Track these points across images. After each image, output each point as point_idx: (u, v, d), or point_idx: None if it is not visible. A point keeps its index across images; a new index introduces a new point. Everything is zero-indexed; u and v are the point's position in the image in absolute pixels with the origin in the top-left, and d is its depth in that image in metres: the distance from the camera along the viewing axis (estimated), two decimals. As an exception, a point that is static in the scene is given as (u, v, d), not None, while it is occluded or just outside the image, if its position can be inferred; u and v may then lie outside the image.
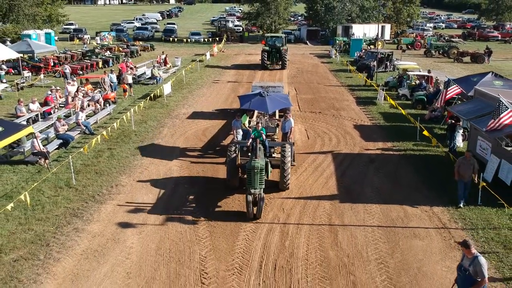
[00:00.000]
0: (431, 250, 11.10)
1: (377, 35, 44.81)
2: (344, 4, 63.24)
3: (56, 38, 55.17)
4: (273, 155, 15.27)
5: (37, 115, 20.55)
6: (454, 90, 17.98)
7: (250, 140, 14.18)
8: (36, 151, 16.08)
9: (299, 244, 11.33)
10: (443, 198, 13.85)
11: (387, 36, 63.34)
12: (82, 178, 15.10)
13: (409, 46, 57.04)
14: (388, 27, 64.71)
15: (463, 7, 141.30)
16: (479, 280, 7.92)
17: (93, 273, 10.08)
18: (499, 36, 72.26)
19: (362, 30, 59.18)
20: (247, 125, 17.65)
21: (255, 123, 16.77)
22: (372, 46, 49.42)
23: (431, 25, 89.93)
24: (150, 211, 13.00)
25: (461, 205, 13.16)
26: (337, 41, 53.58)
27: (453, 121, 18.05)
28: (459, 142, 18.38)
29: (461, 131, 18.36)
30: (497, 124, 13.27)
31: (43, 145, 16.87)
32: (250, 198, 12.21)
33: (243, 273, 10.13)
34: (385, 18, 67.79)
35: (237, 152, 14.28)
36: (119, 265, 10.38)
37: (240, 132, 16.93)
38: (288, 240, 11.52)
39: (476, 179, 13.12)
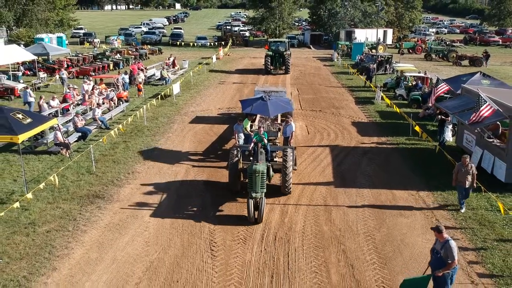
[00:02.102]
0: (414, 226, 12.50)
1: (378, 40, 46.22)
2: (346, 9, 64.76)
3: (66, 41, 57.06)
4: (275, 160, 15.31)
5: (56, 111, 22.11)
6: (442, 88, 19.40)
7: (252, 144, 14.33)
8: (58, 142, 17.63)
9: (296, 220, 12.75)
10: (429, 184, 15.25)
11: (389, 41, 64.84)
12: (101, 166, 16.61)
13: (410, 50, 58.48)
14: (390, 31, 66.26)
15: (467, 12, 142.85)
16: (450, 262, 8.62)
17: (116, 241, 11.56)
18: (500, 41, 73.57)
19: (364, 35, 60.65)
20: (248, 129, 17.78)
21: (257, 127, 16.70)
22: (374, 50, 50.85)
23: (434, 30, 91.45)
24: (164, 193, 14.47)
25: (462, 211, 13.21)
26: (340, 45, 55.09)
27: (442, 117, 19.44)
28: (449, 136, 19.80)
29: (450, 126, 19.76)
30: (478, 117, 14.63)
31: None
32: (251, 202, 12.33)
33: (247, 243, 11.56)
34: (387, 23, 69.30)
35: (238, 156, 14.34)
36: (139, 235, 11.85)
37: (242, 136, 17.03)
38: (287, 217, 12.95)
39: (474, 185, 13.10)
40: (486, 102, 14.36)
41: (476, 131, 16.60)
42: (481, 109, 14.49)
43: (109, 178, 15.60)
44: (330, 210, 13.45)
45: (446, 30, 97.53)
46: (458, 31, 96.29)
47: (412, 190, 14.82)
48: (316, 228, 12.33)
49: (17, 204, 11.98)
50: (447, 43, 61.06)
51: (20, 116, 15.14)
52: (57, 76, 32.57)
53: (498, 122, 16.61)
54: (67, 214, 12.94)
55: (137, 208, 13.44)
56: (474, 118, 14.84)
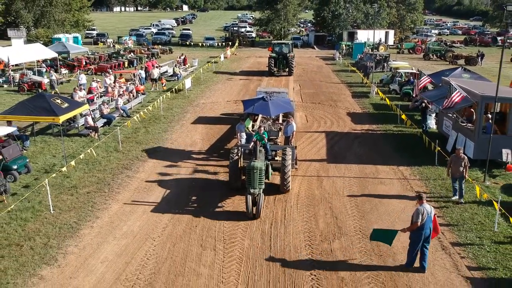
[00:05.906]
0: (391, 191, 14.98)
1: (379, 40, 48.70)
2: (349, 11, 67.22)
3: (81, 42, 60.00)
4: (275, 159, 15.59)
5: (82, 101, 24.75)
6: (425, 80, 21.85)
7: (252, 143, 14.82)
8: (89, 125, 20.27)
9: (293, 187, 15.25)
10: (409, 161, 17.71)
11: (391, 41, 67.19)
12: (126, 146, 19.23)
13: (410, 51, 60.80)
14: (391, 32, 68.63)
15: (471, 14, 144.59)
16: (413, 222, 10.39)
17: (145, 200, 14.15)
18: (500, 42, 75.62)
19: (366, 35, 63.07)
20: (250, 128, 18.22)
21: (258, 127, 16.79)
22: (375, 50, 53.26)
23: (436, 31, 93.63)
24: (181, 167, 17.06)
25: (454, 198, 14.18)
26: (342, 45, 57.60)
27: (426, 105, 21.85)
28: (432, 124, 22.22)
29: (433, 115, 22.19)
30: (450, 102, 17.05)
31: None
32: (249, 197, 12.93)
33: (251, 202, 14.08)
34: (389, 24, 71.66)
35: (239, 154, 14.75)
36: (163, 195, 14.44)
37: (244, 135, 17.42)
38: (285, 184, 15.46)
39: (466, 175, 14.04)
40: (456, 89, 16.79)
41: (452, 117, 19.05)
42: (452, 95, 16.91)
43: (134, 155, 18.21)
44: (321, 179, 15.96)
45: (448, 31, 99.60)
46: (460, 32, 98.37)
47: (393, 166, 17.30)
48: (308, 192, 14.85)
49: (64, 169, 14.63)
50: (448, 43, 63.32)
51: (58, 101, 17.82)
52: (78, 72, 35.31)
53: (472, 110, 19.08)
54: (102, 180, 15.56)
55: (160, 177, 16.03)
56: (446, 104, 17.27)
